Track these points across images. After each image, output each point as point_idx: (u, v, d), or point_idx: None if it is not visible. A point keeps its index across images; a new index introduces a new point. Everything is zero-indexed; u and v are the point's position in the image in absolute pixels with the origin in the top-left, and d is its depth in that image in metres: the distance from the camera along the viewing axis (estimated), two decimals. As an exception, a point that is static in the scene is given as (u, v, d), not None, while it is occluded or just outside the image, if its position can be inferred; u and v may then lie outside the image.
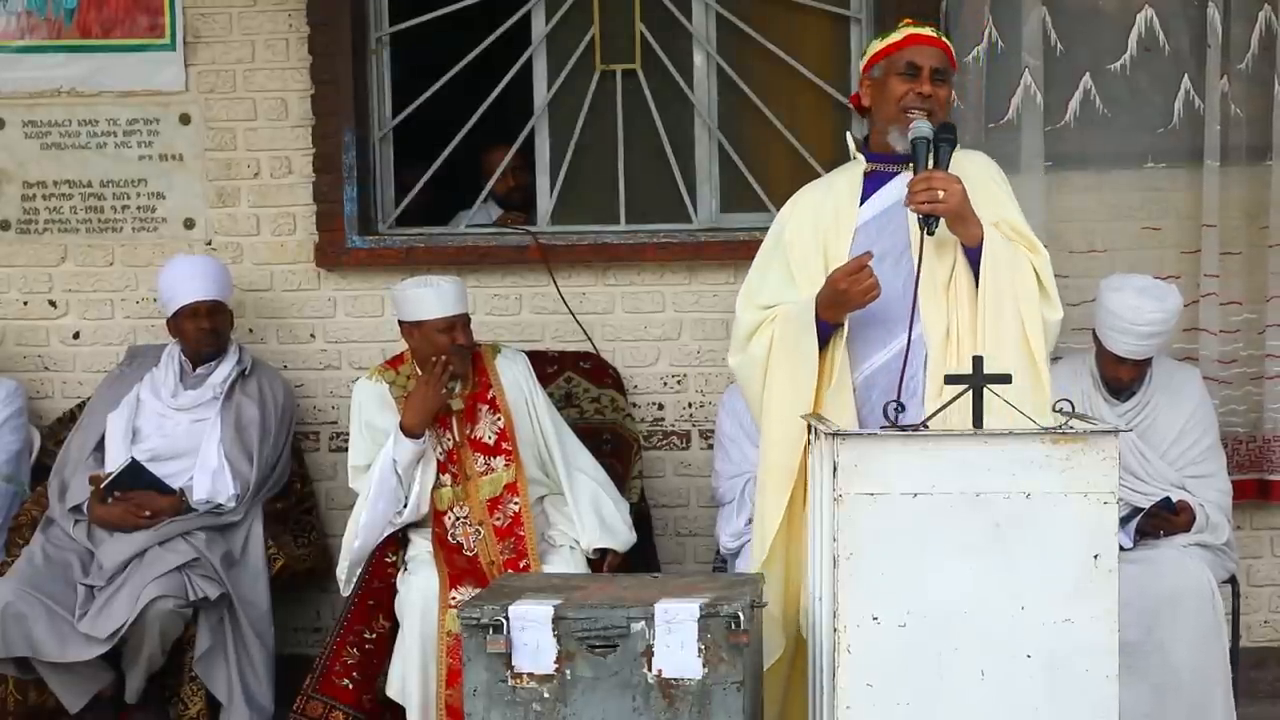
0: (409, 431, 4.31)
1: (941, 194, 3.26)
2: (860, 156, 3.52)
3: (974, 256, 3.35)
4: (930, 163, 3.32)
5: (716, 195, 5.16)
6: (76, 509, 4.54)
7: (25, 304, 5.14)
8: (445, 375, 4.33)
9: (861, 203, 3.48)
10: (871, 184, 3.49)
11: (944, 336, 3.34)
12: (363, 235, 5.05)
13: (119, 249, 5.11)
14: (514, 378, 4.52)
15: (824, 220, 3.48)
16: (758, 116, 5.11)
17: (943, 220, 3.31)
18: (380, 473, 4.33)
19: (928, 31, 3.47)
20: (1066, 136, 4.83)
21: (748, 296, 3.53)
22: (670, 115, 5.13)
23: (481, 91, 5.09)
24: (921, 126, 3.36)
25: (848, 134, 3.63)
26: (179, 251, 4.99)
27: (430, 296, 4.39)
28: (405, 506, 4.36)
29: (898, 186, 3.44)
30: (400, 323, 4.49)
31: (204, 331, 4.71)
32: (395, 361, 4.55)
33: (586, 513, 4.43)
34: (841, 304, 3.32)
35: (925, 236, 3.28)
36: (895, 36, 3.46)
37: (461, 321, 4.42)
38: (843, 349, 3.36)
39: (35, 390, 5.11)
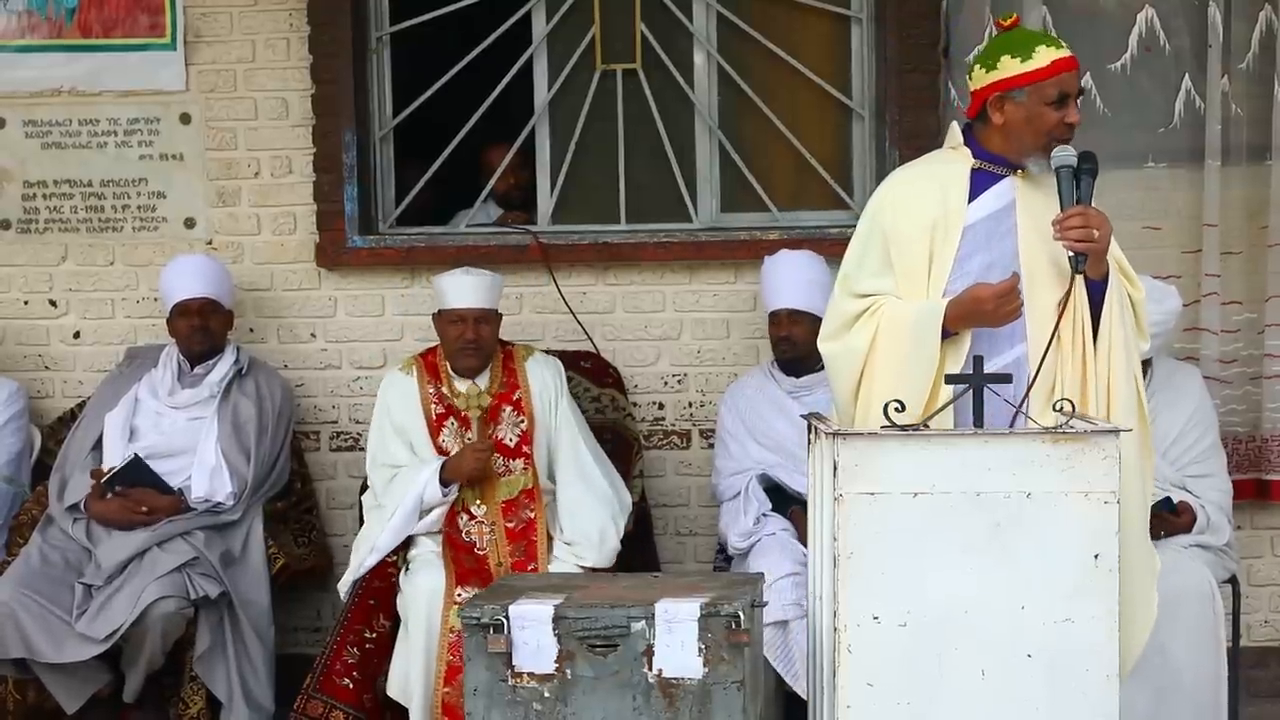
0: (446, 481, 4.35)
1: (1096, 233, 3.23)
2: (967, 151, 3.43)
3: (1091, 285, 3.30)
4: (1075, 194, 3.27)
5: (717, 195, 5.15)
6: (74, 507, 4.54)
7: (26, 303, 5.14)
8: (490, 448, 4.38)
9: (969, 201, 3.40)
10: (978, 183, 3.40)
11: (1053, 356, 3.27)
12: (363, 235, 5.05)
13: (119, 248, 5.11)
14: (543, 382, 4.53)
15: (931, 213, 3.37)
16: (758, 116, 5.11)
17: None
18: (408, 505, 4.36)
19: (1067, 54, 3.36)
20: None
21: (844, 283, 3.42)
22: (671, 115, 5.12)
23: (482, 91, 5.09)
24: (1067, 155, 3.29)
25: (953, 124, 3.53)
26: (179, 251, 4.99)
27: (449, 285, 4.46)
28: (419, 524, 4.41)
29: (1006, 191, 3.39)
30: (434, 312, 4.57)
31: (194, 329, 4.71)
32: (430, 354, 4.57)
33: (570, 526, 4.43)
34: (982, 321, 3.27)
35: (1075, 275, 3.24)
36: (1039, 61, 3.31)
37: (473, 316, 4.43)
38: (959, 357, 3.29)
39: (36, 390, 5.11)
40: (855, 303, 3.38)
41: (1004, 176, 3.41)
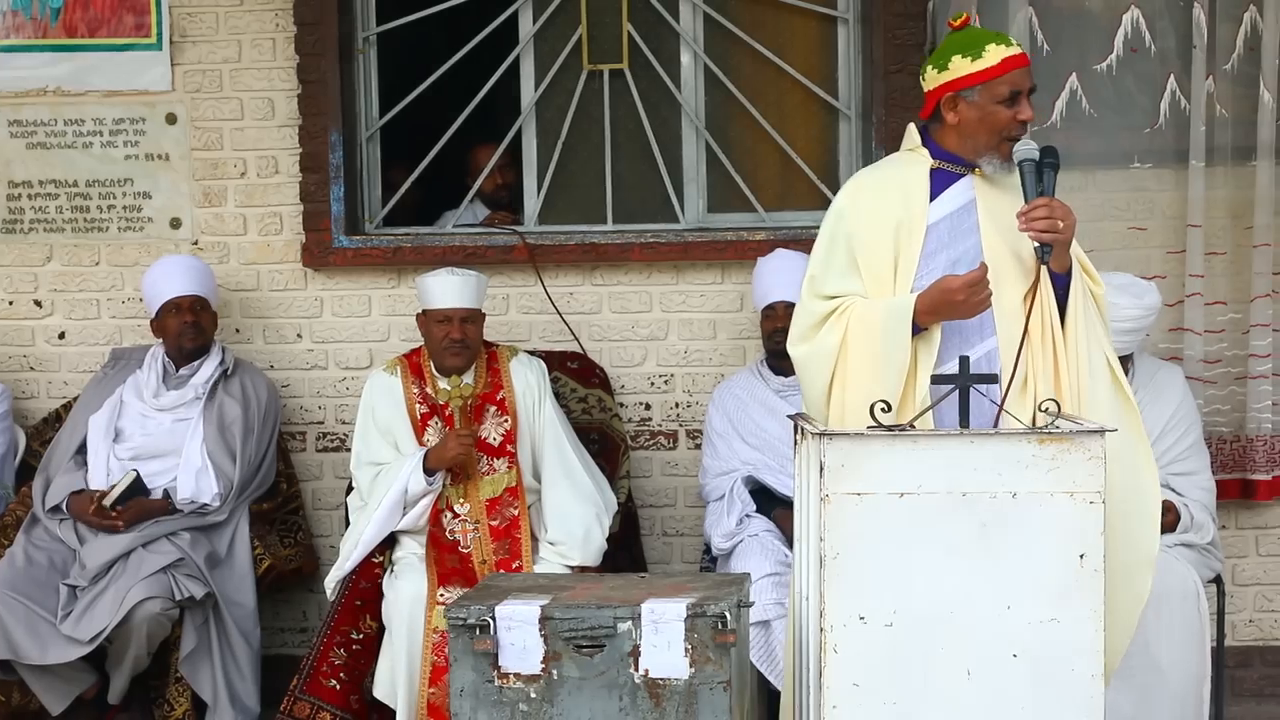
0: (430, 470, 4.35)
1: (1061, 224, 3.25)
2: (925, 151, 3.45)
3: (1055, 279, 3.32)
4: (1038, 188, 3.29)
5: (703, 195, 5.16)
6: (56, 509, 4.54)
7: (11, 304, 5.13)
8: (474, 436, 4.39)
9: (930, 201, 3.41)
10: (937, 182, 3.42)
11: (1024, 349, 3.28)
12: (349, 235, 5.04)
13: (105, 249, 5.10)
14: (527, 382, 4.53)
15: (894, 214, 3.38)
16: (745, 117, 5.11)
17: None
18: (392, 497, 4.36)
19: (1017, 51, 3.38)
20: (1053, 137, 4.83)
21: (811, 285, 3.43)
22: (658, 115, 5.13)
23: (469, 91, 5.09)
24: (1029, 148, 3.31)
25: (910, 126, 3.54)
26: (165, 251, 4.99)
27: (434, 285, 4.46)
28: (404, 519, 4.40)
29: (965, 189, 3.41)
30: (418, 313, 4.57)
31: (187, 325, 4.70)
32: (414, 355, 4.57)
33: (554, 526, 4.44)
34: (952, 313, 3.27)
35: (1041, 265, 3.26)
36: (990, 60, 3.34)
37: (459, 316, 4.44)
38: (930, 353, 3.31)
39: (21, 390, 5.09)
40: (823, 304, 3.39)
41: (963, 175, 3.44)
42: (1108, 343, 3.40)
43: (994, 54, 3.35)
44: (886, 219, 3.39)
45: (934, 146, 3.45)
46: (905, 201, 3.40)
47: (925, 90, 3.45)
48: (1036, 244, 3.26)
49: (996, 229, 3.36)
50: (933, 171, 3.43)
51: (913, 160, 3.47)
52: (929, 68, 3.43)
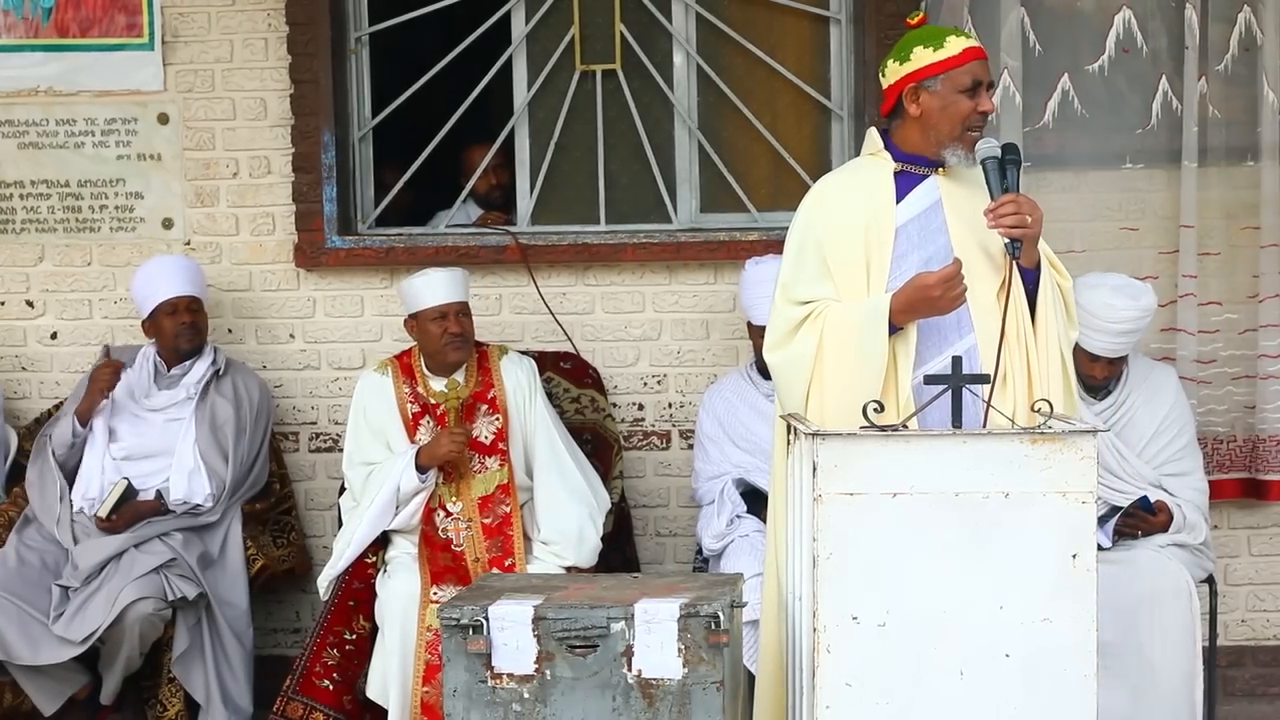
0: (422, 467, 4.34)
1: (1029, 219, 3.26)
2: (887, 155, 3.47)
3: (1024, 274, 3.34)
4: (1003, 184, 3.31)
5: (696, 195, 5.16)
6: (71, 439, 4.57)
7: (2, 304, 5.12)
8: (467, 434, 4.39)
9: (895, 203, 3.43)
10: (901, 185, 3.43)
11: (996, 346, 3.29)
12: (342, 235, 5.04)
13: (97, 249, 5.09)
14: (517, 380, 4.53)
15: (862, 217, 3.40)
16: (738, 117, 5.12)
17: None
18: (384, 495, 4.36)
19: (977, 44, 3.41)
20: (1045, 137, 4.85)
21: (784, 292, 3.44)
22: (650, 115, 5.13)
23: (462, 91, 5.09)
24: (990, 146, 3.33)
25: (871, 130, 3.55)
26: (157, 251, 4.98)
27: (422, 285, 4.47)
28: (396, 517, 4.39)
29: (930, 190, 3.42)
30: (405, 319, 4.55)
31: (185, 325, 4.70)
32: (404, 355, 4.57)
33: (547, 525, 4.44)
34: (929, 309, 3.28)
35: (1011, 261, 3.27)
36: (951, 50, 3.36)
37: (455, 310, 4.45)
38: (908, 352, 3.31)
39: (12, 391, 5.09)
40: (797, 309, 3.40)
41: (926, 176, 3.45)
42: (1063, 338, 3.40)
43: (955, 44, 3.38)
44: (855, 222, 3.40)
45: (895, 150, 3.47)
46: (872, 204, 3.42)
47: (885, 86, 3.47)
48: (1006, 240, 3.28)
49: (965, 227, 3.38)
50: (896, 175, 3.45)
51: (875, 164, 3.49)
52: (890, 61, 3.45)
